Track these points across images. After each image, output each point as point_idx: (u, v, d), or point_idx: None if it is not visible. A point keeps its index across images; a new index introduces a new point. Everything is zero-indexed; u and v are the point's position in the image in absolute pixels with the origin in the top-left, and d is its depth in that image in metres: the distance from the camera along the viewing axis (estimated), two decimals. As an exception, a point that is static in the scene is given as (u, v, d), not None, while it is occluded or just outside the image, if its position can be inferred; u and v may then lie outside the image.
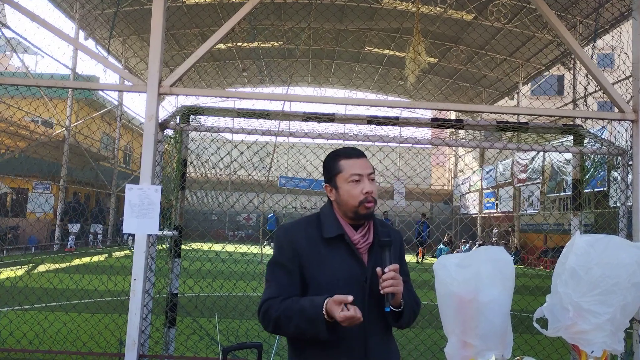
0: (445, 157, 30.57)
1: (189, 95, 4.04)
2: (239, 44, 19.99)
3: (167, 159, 3.83)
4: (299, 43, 19.30)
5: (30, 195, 16.50)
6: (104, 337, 5.24)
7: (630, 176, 3.49)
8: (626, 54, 4.10)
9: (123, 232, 3.74)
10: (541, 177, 17.17)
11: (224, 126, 3.78)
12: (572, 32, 14.08)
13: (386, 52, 20.62)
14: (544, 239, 18.95)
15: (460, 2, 15.27)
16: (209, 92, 5.48)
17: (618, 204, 3.62)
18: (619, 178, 3.60)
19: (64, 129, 17.16)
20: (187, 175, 3.99)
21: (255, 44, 20.27)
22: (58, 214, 16.91)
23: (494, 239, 21.35)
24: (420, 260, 17.54)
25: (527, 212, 18.41)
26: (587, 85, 9.24)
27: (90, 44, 17.44)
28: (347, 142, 3.71)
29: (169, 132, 3.71)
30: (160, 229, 3.39)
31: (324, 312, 1.57)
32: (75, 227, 17.24)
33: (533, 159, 17.58)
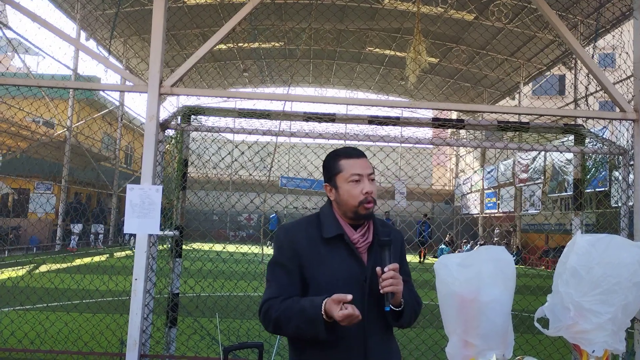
0: (447, 157, 30.56)
1: (189, 95, 4.04)
2: (240, 44, 20.00)
3: (168, 159, 3.84)
4: (299, 43, 19.31)
5: (32, 196, 16.52)
6: (105, 337, 5.24)
7: (631, 176, 3.49)
8: (627, 53, 4.10)
9: (124, 232, 3.74)
10: (542, 177, 17.15)
11: (225, 126, 3.79)
12: (573, 32, 14.07)
13: (387, 52, 20.62)
14: (545, 239, 18.93)
15: (461, 2, 15.27)
16: (210, 92, 5.48)
17: (619, 204, 3.62)
18: (620, 178, 3.59)
19: (66, 129, 17.18)
20: (188, 175, 3.99)
21: (256, 44, 20.28)
22: (60, 214, 16.94)
23: (496, 239, 21.33)
24: (422, 260, 17.53)
25: (529, 212, 18.40)
26: (588, 85, 9.22)
27: (92, 44, 17.47)
28: (348, 142, 3.71)
29: (170, 132, 3.72)
30: (161, 229, 3.39)
31: (322, 313, 1.57)
32: (77, 228, 17.27)
33: (534, 158, 17.57)
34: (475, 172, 24.66)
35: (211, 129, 3.75)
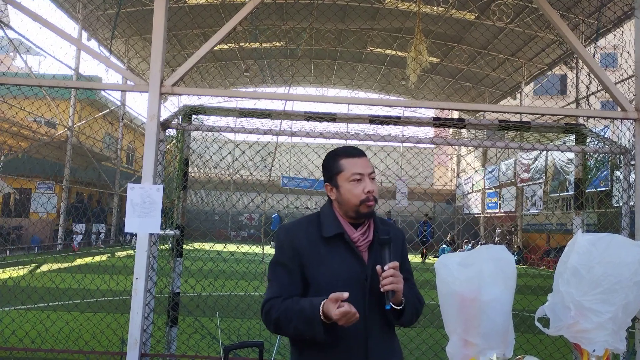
0: (448, 157, 30.54)
1: (190, 95, 4.04)
2: (241, 44, 20.01)
3: (169, 159, 3.84)
4: (300, 43, 19.29)
5: (33, 195, 16.54)
6: (106, 336, 5.25)
7: (632, 175, 3.48)
8: (628, 53, 4.09)
9: (125, 231, 3.75)
10: (544, 177, 17.13)
11: (226, 126, 3.78)
12: (575, 31, 14.04)
13: (388, 51, 20.60)
14: (546, 238, 18.91)
15: (462, 1, 15.25)
16: (211, 91, 5.49)
17: (620, 203, 3.61)
18: (621, 177, 3.59)
19: (67, 129, 17.20)
20: (189, 174, 3.99)
21: (256, 44, 20.28)
22: (61, 213, 16.95)
23: (497, 238, 21.32)
24: (423, 260, 17.52)
25: (530, 211, 18.38)
26: (590, 84, 9.21)
27: (93, 44, 17.48)
28: (349, 141, 3.70)
29: (171, 131, 3.72)
30: (162, 229, 3.39)
31: (320, 314, 1.57)
32: (80, 227, 17.30)
33: (536, 158, 17.55)
34: (477, 171, 24.65)
35: (212, 129, 3.75)
